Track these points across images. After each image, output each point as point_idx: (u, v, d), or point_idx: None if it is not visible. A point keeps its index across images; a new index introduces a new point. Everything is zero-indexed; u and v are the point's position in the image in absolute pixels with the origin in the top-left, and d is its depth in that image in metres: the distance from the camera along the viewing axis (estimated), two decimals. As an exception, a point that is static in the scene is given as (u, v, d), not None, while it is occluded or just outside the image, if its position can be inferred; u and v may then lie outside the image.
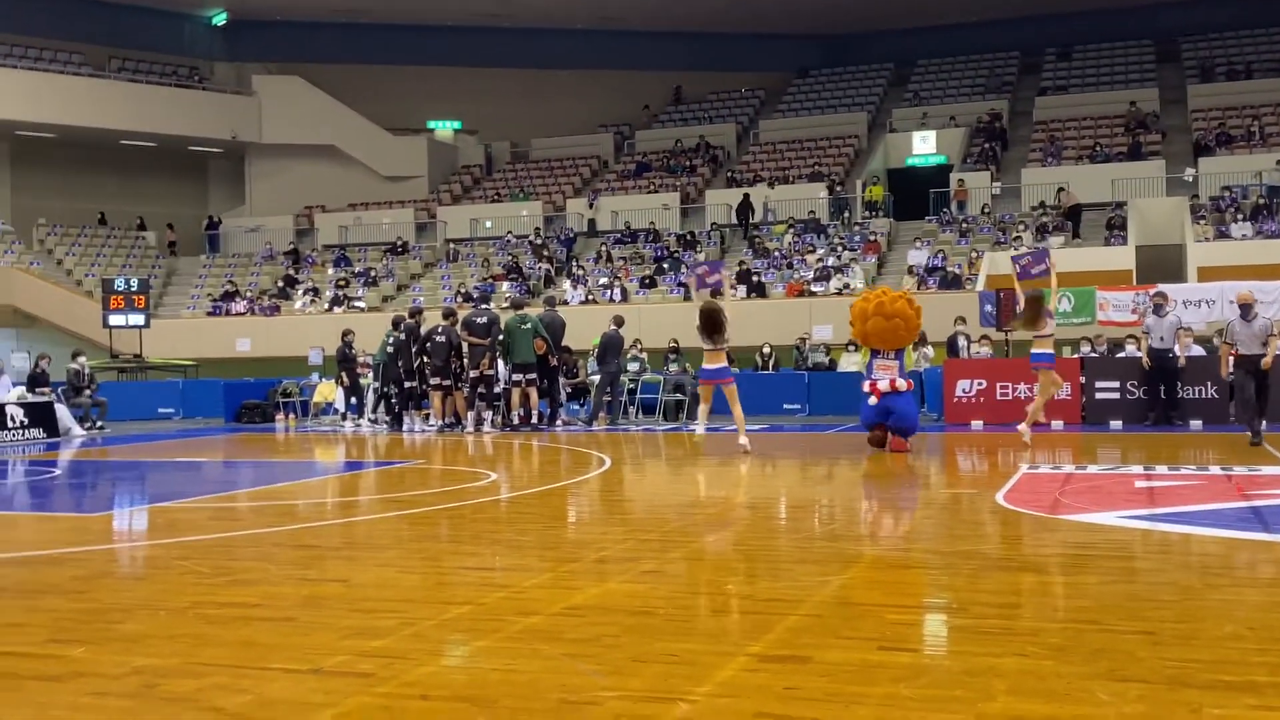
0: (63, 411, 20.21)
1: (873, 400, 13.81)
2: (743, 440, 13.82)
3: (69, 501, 11.69)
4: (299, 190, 42.05)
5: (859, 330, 14.10)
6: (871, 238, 31.41)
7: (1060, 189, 30.54)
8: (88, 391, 21.71)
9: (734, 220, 34.59)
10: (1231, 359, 14.14)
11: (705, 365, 14.20)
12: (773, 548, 7.47)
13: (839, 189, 35.24)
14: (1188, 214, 28.45)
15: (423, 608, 5.65)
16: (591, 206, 36.85)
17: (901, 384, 13.75)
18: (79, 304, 33.66)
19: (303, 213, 41.11)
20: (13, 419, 18.84)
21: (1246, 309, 14.09)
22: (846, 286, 27.87)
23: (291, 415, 23.18)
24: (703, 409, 14.74)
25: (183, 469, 14.51)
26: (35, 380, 20.95)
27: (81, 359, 22.29)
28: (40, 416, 19.38)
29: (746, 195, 34.44)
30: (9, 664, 4.71)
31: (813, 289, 28.52)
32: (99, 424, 21.41)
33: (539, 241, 34.86)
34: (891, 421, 13.70)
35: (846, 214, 33.96)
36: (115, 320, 27.95)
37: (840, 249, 30.84)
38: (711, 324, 13.79)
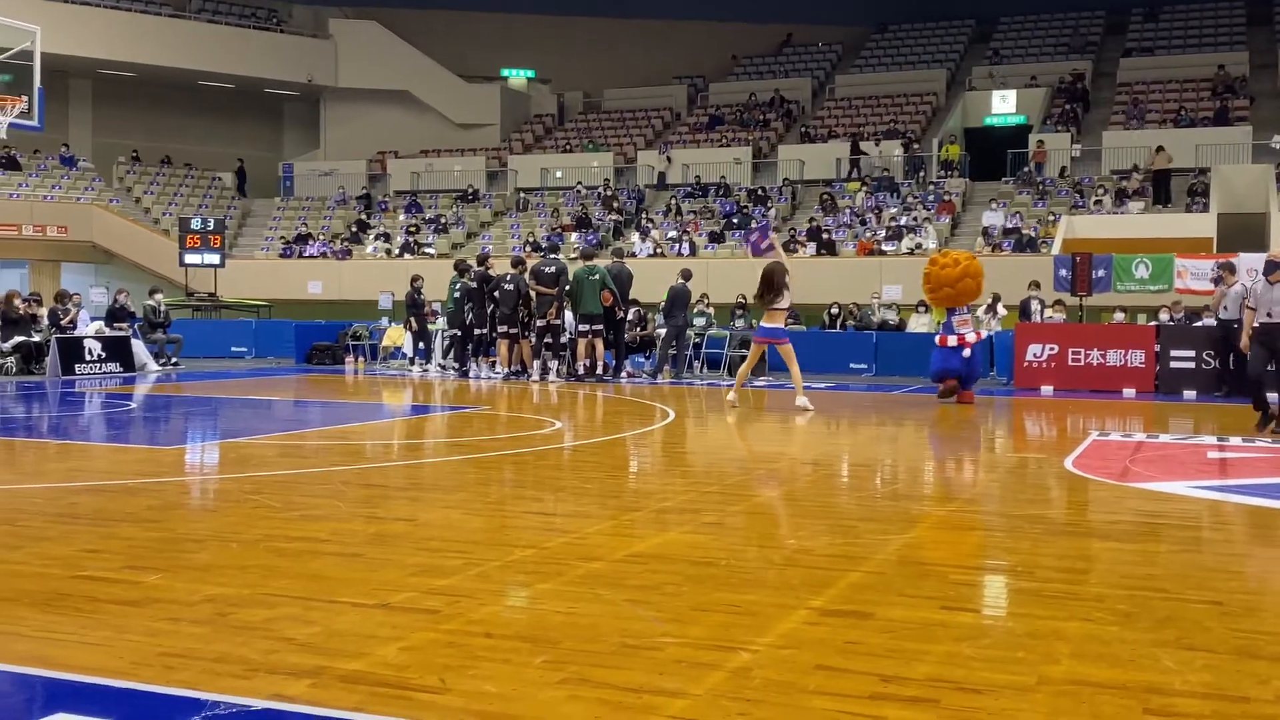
0: (139, 347, 20.62)
1: (953, 342, 14.99)
2: (801, 400, 13.74)
3: (144, 434, 11.96)
4: (372, 135, 42.34)
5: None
6: (946, 198, 30.96)
7: (1159, 148, 29.67)
8: (163, 328, 22.12)
9: (843, 168, 34.06)
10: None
11: (763, 323, 14.35)
12: (836, 504, 7.46)
13: (915, 147, 34.73)
14: (1273, 182, 27.67)
15: (487, 549, 5.73)
16: (666, 159, 36.61)
17: (971, 337, 15.04)
18: (156, 242, 34.18)
19: (375, 158, 41.37)
20: (90, 352, 19.25)
21: (1273, 268, 11.38)
22: (919, 246, 27.52)
23: (360, 358, 23.49)
24: (744, 369, 14.93)
25: (254, 406, 14.77)
26: (114, 315, 21.38)
27: (158, 296, 22.71)
28: (117, 351, 19.78)
29: (856, 143, 34.11)
30: (88, 588, 4.85)
31: (883, 248, 28.21)
32: (173, 360, 21.83)
33: (609, 193, 34.79)
34: (961, 369, 14.86)
35: (921, 173, 33.48)
36: (191, 259, 28.42)
37: (914, 208, 30.45)
38: (766, 284, 13.79)
